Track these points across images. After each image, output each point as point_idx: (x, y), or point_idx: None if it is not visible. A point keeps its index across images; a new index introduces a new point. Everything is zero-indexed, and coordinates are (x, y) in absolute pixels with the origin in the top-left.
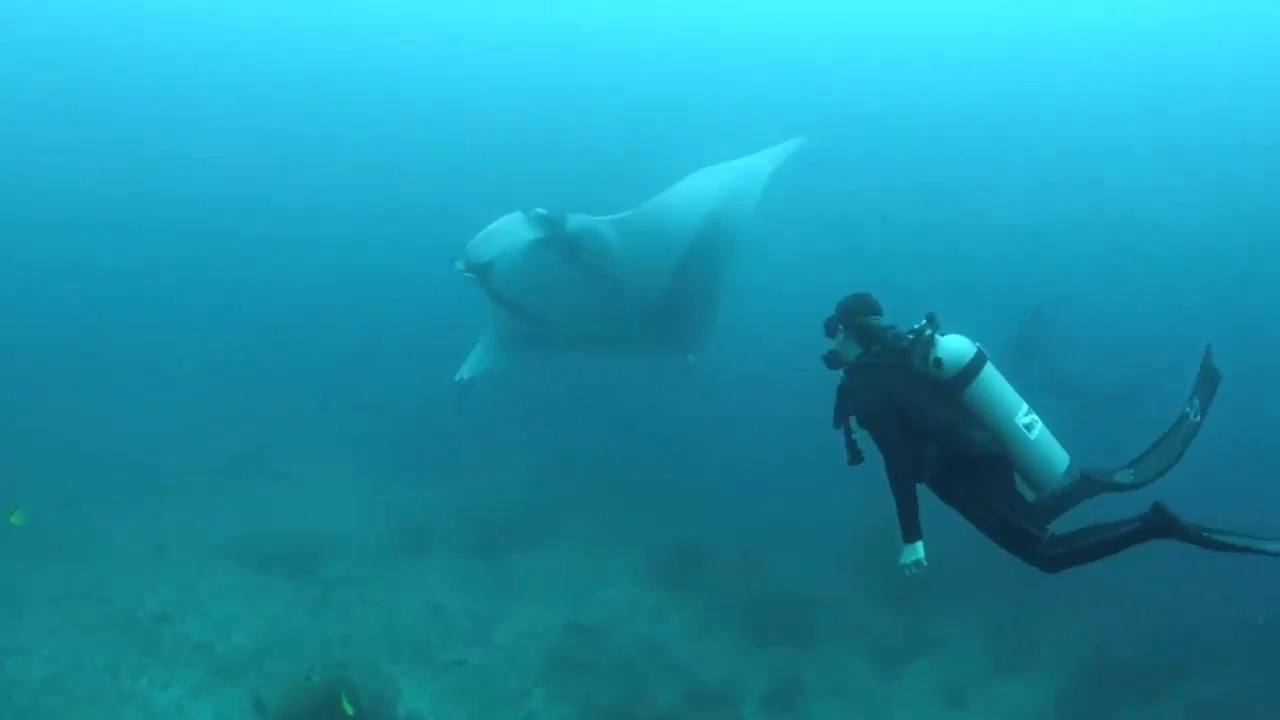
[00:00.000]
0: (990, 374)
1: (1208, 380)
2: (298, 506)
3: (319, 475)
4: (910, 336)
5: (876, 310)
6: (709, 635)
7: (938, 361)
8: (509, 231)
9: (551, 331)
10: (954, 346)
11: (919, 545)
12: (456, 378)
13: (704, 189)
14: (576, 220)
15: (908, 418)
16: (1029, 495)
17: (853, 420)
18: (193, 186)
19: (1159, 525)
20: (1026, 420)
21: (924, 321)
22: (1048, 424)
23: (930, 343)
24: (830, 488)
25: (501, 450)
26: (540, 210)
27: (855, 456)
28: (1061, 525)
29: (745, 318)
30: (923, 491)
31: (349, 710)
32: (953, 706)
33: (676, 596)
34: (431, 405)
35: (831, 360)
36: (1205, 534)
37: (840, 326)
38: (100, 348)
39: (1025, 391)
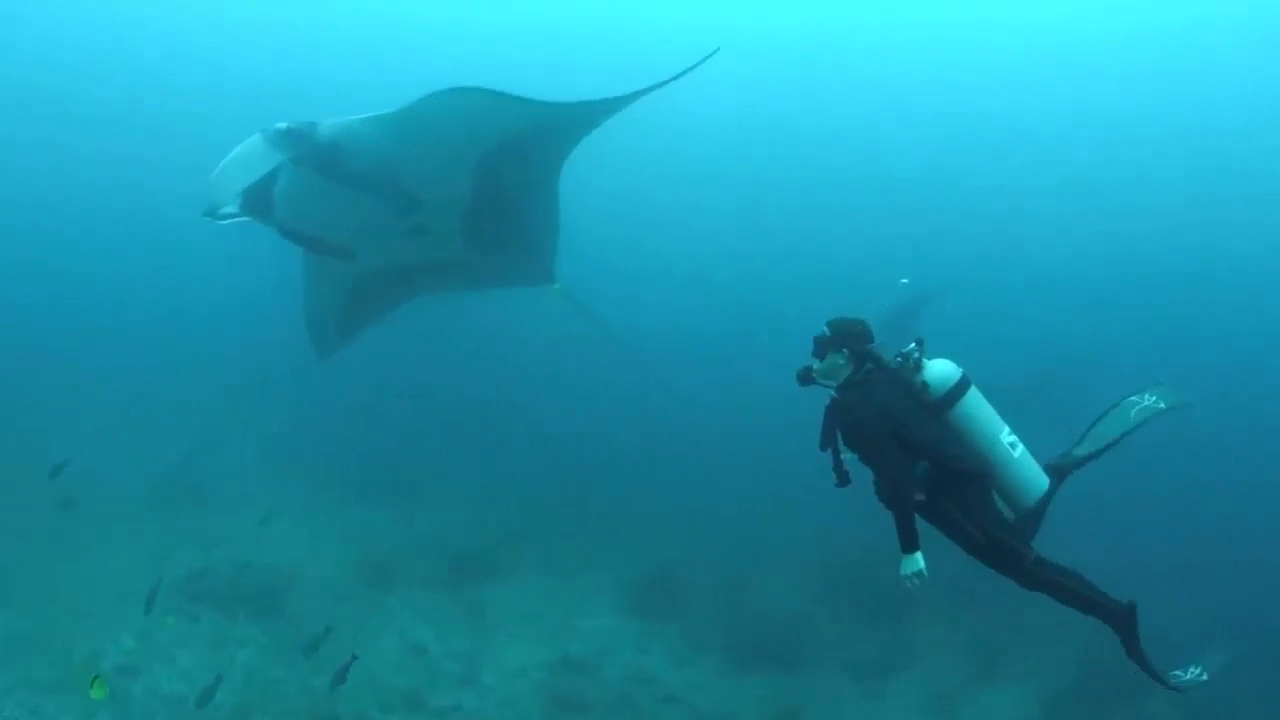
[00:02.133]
0: (975, 396)
1: (1170, 403)
2: (244, 540)
3: (258, 504)
4: (899, 359)
5: (871, 337)
6: (695, 663)
7: (924, 384)
8: (251, 158)
9: (370, 269)
10: (940, 370)
11: (918, 555)
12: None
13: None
14: (329, 127)
15: (900, 433)
16: (1008, 515)
17: (840, 442)
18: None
19: (1124, 620)
20: (1010, 440)
21: (912, 345)
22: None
23: (918, 365)
24: (797, 508)
25: (451, 471)
26: (280, 125)
27: (843, 479)
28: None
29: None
30: None
31: None
32: (943, 717)
33: (656, 624)
34: (364, 424)
35: (805, 377)
36: (1144, 661)
37: (841, 349)
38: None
39: None
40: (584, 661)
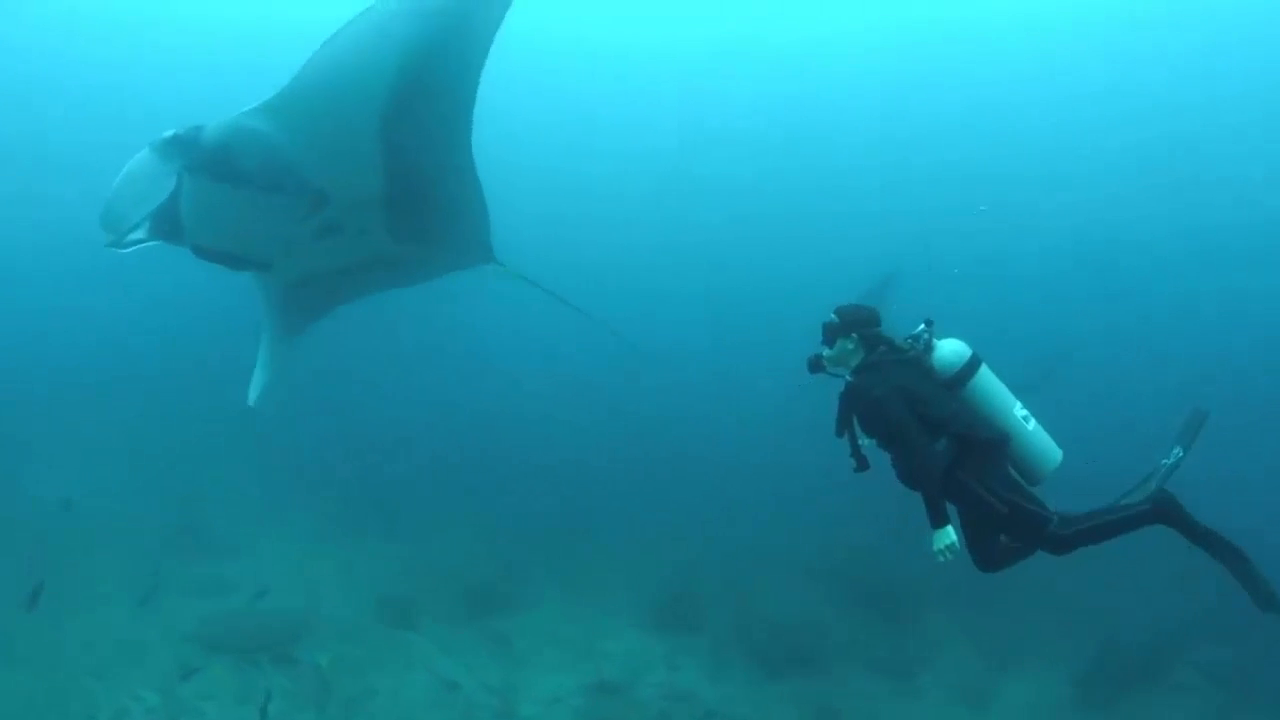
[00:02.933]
0: (986, 373)
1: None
2: (255, 584)
3: (264, 546)
4: (909, 341)
5: (879, 321)
6: (727, 675)
7: (936, 364)
8: (143, 174)
9: (295, 279)
10: (951, 349)
11: (949, 529)
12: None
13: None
14: (215, 127)
15: (919, 409)
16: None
17: (856, 428)
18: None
19: (1165, 510)
20: (1022, 414)
21: (922, 326)
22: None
23: (929, 346)
24: (804, 512)
25: (455, 501)
26: (167, 133)
27: (862, 464)
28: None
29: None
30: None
31: None
32: (977, 708)
33: (682, 640)
34: (365, 457)
35: (815, 365)
36: (1200, 528)
37: (851, 334)
38: None
39: None
40: (618, 684)
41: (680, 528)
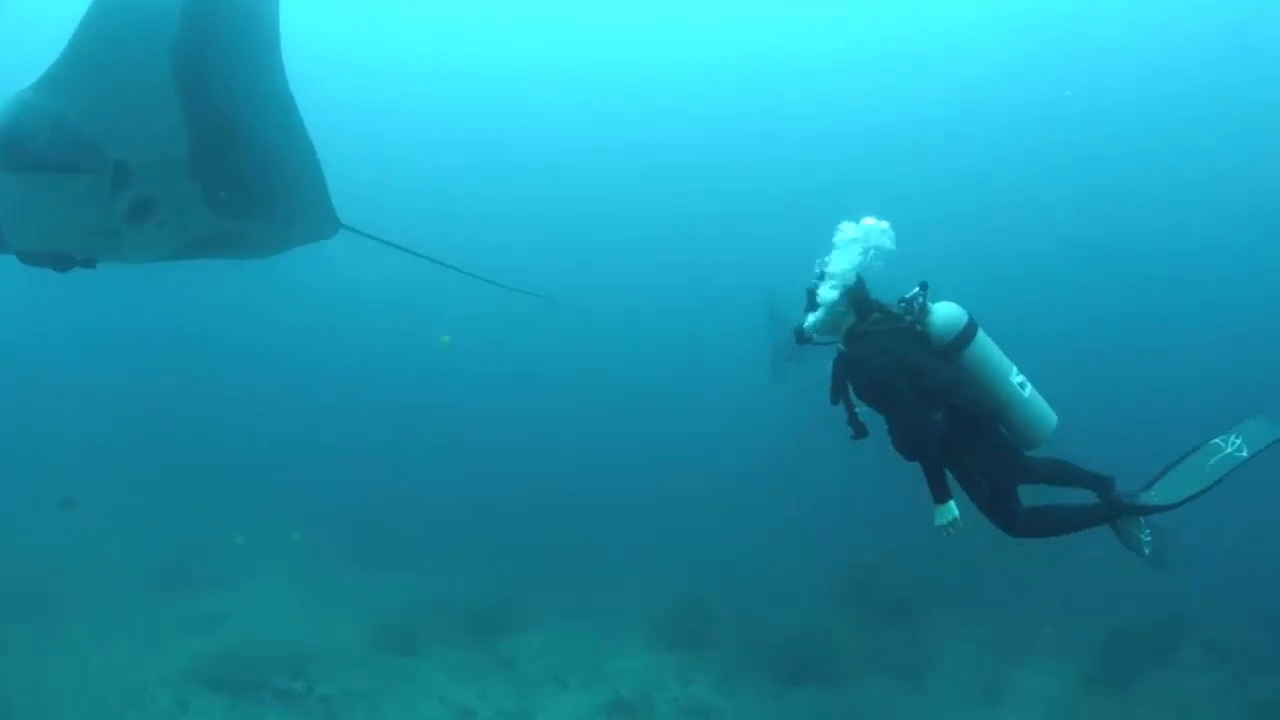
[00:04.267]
0: (984, 338)
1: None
2: (249, 616)
3: (255, 577)
4: (903, 305)
5: (866, 283)
6: (741, 688)
7: (933, 329)
8: None
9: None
10: (947, 313)
11: (952, 504)
12: None
13: None
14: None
15: (916, 380)
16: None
17: (852, 395)
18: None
19: (1117, 509)
20: (1020, 380)
21: (917, 289)
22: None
23: (924, 310)
24: (802, 519)
25: (448, 524)
26: None
27: (860, 430)
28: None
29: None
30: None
31: None
32: (991, 703)
33: (692, 654)
34: (351, 488)
35: (803, 336)
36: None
37: (843, 297)
38: None
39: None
40: (635, 702)
41: (678, 542)
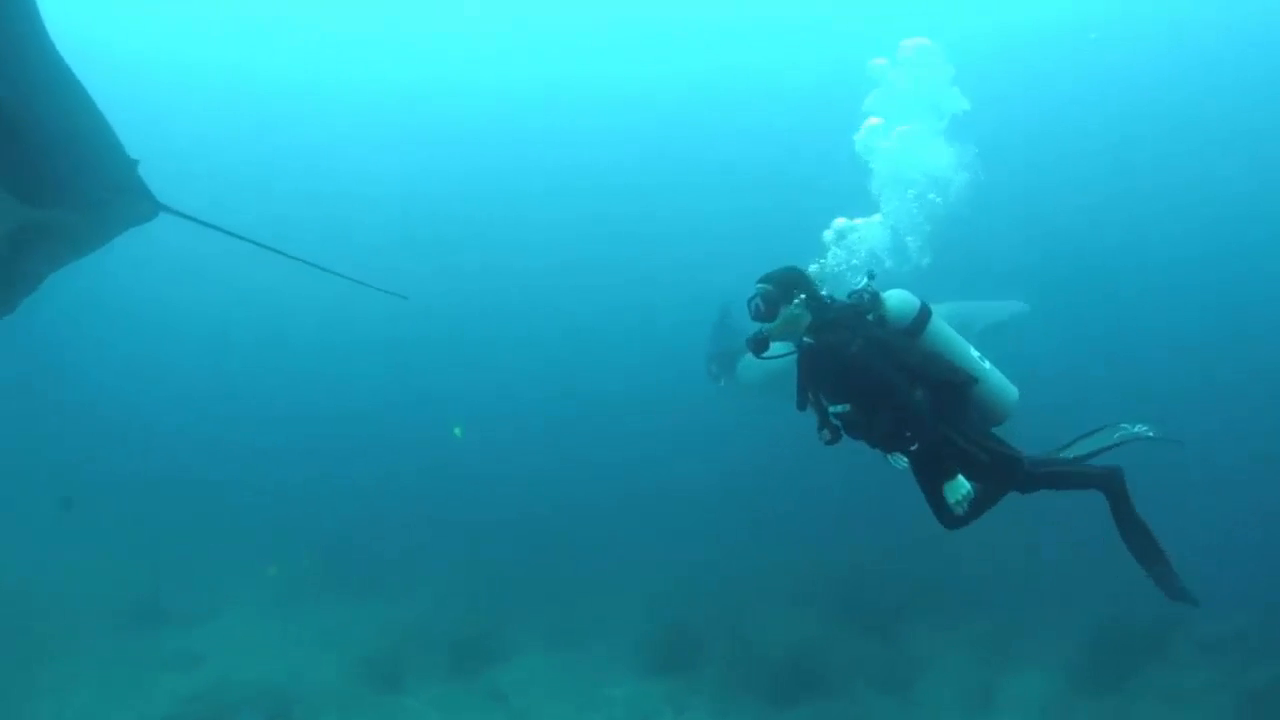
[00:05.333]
0: (938, 320)
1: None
2: (226, 653)
3: (227, 612)
4: (855, 296)
5: (809, 278)
6: (737, 710)
7: (889, 314)
8: None
9: None
10: (901, 298)
11: (961, 478)
12: None
13: None
14: None
15: (895, 358)
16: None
17: (823, 395)
18: None
19: (1114, 484)
20: (977, 354)
21: (866, 280)
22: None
23: (876, 298)
24: (780, 535)
25: (426, 555)
26: None
27: (834, 434)
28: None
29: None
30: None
31: None
32: (983, 709)
33: (682, 679)
34: (321, 517)
35: (761, 343)
36: (1134, 518)
37: (796, 295)
38: None
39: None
40: None
41: (659, 566)
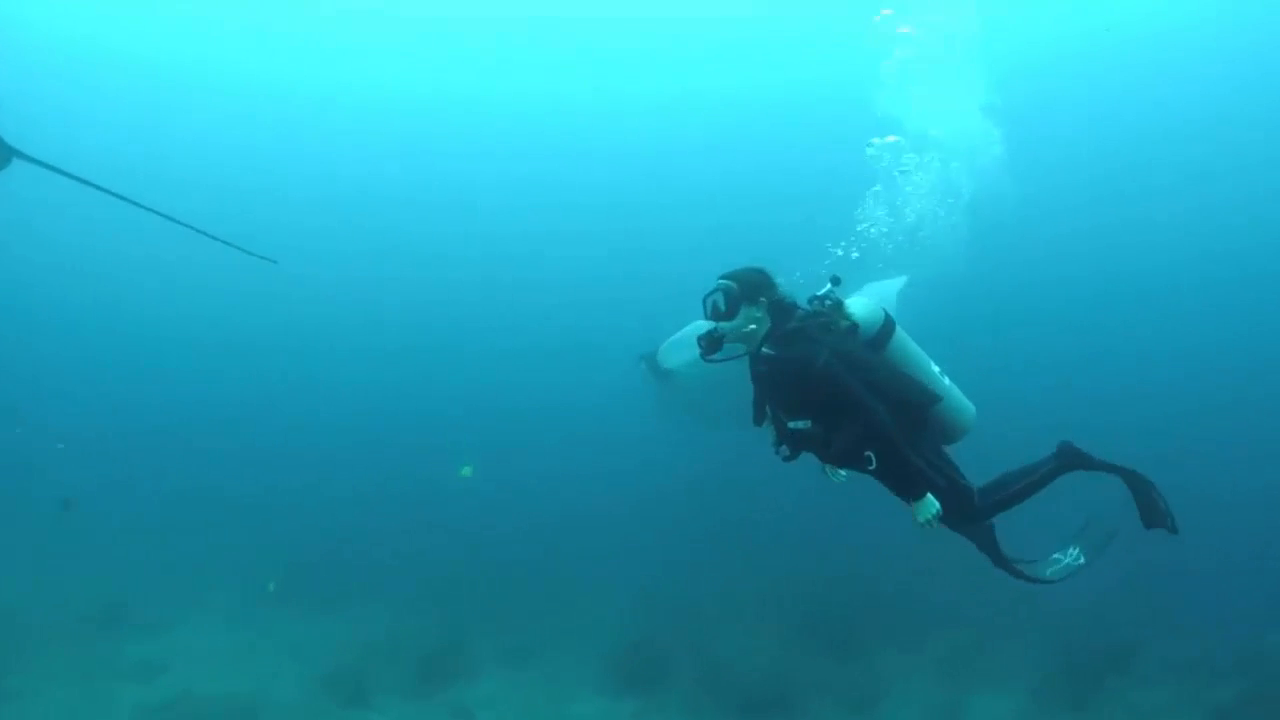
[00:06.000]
0: (902, 331)
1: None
2: (189, 664)
3: (188, 622)
4: (816, 303)
5: (775, 283)
6: None
7: (854, 324)
8: None
9: None
10: (865, 306)
11: (930, 497)
12: None
13: None
14: None
15: (862, 374)
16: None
17: (782, 409)
18: None
19: (1070, 460)
20: (938, 369)
21: (829, 286)
22: None
23: (840, 306)
24: (745, 553)
25: (389, 569)
26: None
27: (793, 450)
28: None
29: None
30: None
31: None
32: None
33: (648, 697)
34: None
35: (714, 344)
36: (1110, 464)
37: (758, 300)
38: None
39: None
40: None
41: (623, 582)
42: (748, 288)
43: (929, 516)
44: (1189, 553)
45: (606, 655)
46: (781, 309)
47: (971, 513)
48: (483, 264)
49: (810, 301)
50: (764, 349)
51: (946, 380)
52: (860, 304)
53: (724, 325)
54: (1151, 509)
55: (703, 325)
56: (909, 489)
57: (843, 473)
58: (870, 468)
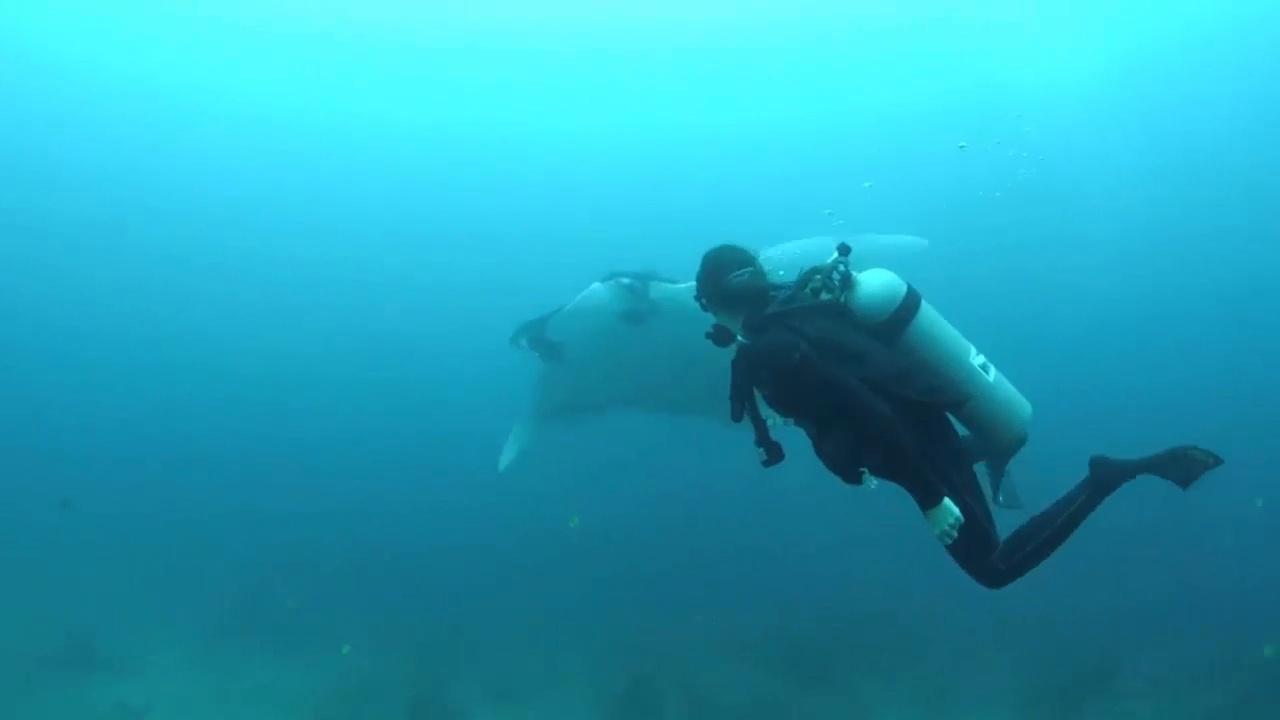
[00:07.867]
0: (929, 311)
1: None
2: (169, 709)
3: (160, 661)
4: (817, 278)
5: (749, 259)
6: None
7: (861, 305)
8: None
9: None
10: (880, 282)
11: (947, 501)
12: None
13: None
14: None
15: (854, 369)
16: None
17: (761, 406)
18: None
19: (1106, 480)
20: (980, 361)
21: (836, 256)
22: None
23: (847, 282)
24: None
25: (367, 606)
26: None
27: (774, 453)
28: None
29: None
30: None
31: None
32: None
33: None
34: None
35: (724, 335)
36: (1145, 461)
37: (721, 288)
38: None
39: None
40: None
41: (606, 616)
42: (706, 281)
43: (947, 526)
44: (1166, 564)
45: (595, 693)
46: (756, 291)
47: (983, 567)
48: (460, 293)
49: (805, 273)
50: (739, 337)
51: (991, 374)
52: (875, 278)
53: (719, 318)
54: (1186, 471)
55: (599, 289)
56: (923, 495)
57: (874, 480)
58: (870, 485)
